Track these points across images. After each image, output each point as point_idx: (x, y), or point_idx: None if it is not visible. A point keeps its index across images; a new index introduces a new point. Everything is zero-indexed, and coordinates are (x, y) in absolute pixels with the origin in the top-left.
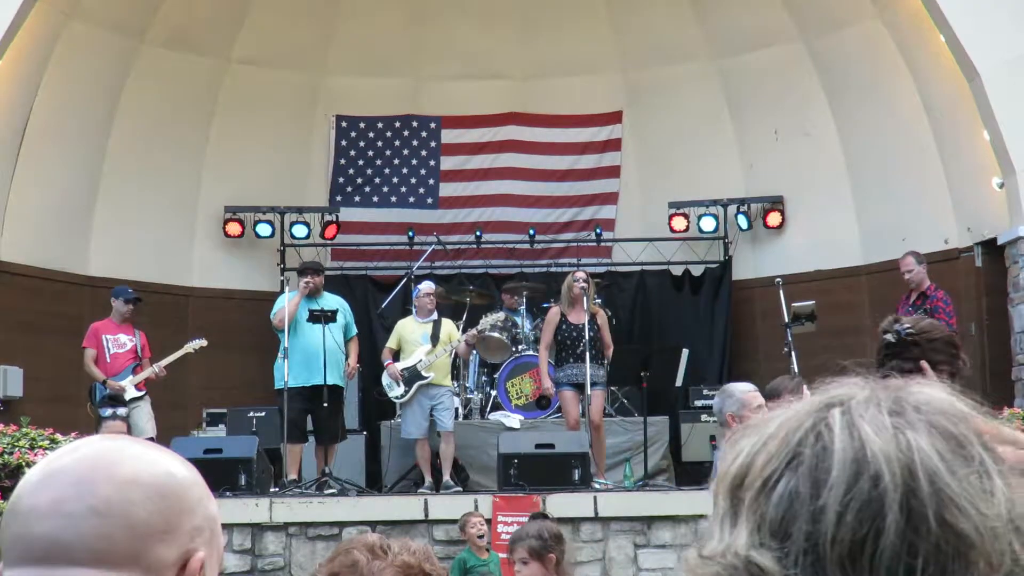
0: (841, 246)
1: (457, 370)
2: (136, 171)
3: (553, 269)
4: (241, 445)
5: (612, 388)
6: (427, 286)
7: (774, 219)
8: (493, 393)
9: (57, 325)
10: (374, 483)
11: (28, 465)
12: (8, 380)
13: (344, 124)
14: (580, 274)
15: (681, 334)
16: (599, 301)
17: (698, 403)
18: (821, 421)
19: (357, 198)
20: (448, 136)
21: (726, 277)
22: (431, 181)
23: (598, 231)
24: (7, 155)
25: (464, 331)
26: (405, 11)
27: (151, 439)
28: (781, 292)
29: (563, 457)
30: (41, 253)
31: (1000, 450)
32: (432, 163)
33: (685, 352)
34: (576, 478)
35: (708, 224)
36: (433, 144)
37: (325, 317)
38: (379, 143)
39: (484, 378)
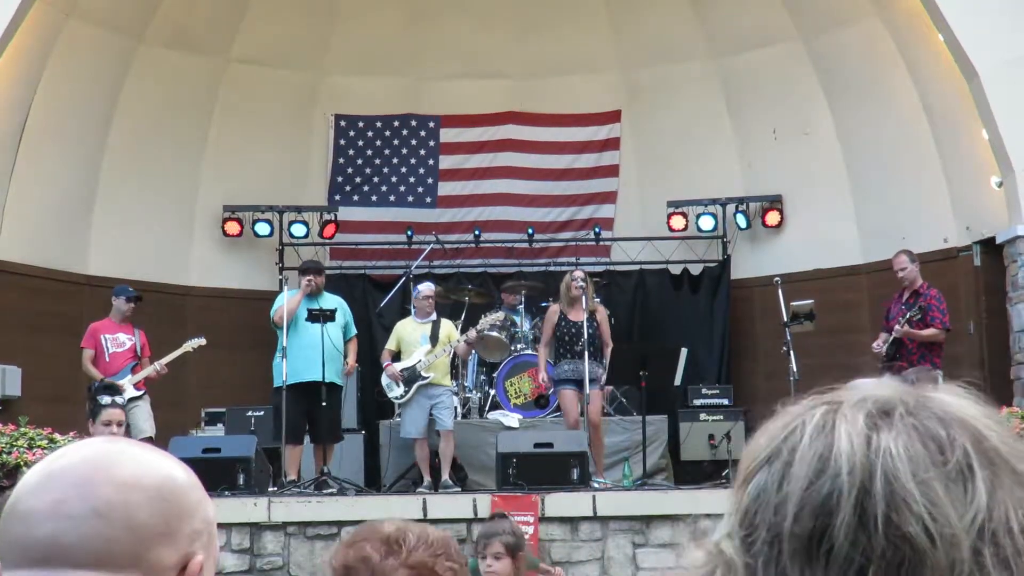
0: (840, 245)
1: (456, 369)
2: (135, 170)
3: (552, 268)
4: (240, 444)
5: (610, 387)
6: (427, 288)
7: (773, 218)
8: (492, 392)
9: (56, 324)
10: (373, 482)
11: (26, 465)
12: (6, 379)
13: (343, 123)
14: (579, 273)
15: (680, 333)
16: (598, 300)
17: (697, 402)
18: (807, 420)
19: (356, 197)
20: (447, 135)
21: (725, 276)
22: (430, 180)
23: (597, 230)
24: (6, 154)
25: (463, 331)
26: (404, 10)
27: (150, 439)
28: (780, 291)
29: (562, 456)
30: (40, 252)
31: None
32: (431, 162)
33: (684, 351)
34: (575, 477)
35: (707, 223)
36: (432, 143)
37: (324, 316)
38: (378, 142)
39: (483, 377)
